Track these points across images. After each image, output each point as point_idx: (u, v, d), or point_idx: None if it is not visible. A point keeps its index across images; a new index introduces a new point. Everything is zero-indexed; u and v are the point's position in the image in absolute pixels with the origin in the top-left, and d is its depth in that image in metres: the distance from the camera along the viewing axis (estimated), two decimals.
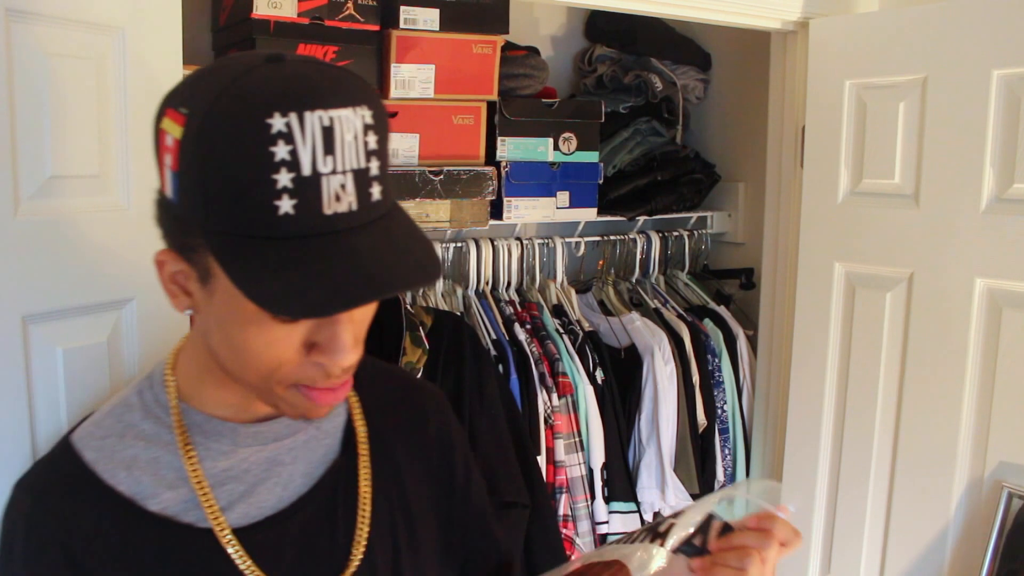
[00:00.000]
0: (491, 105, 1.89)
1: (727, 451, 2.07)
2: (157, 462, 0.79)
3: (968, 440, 1.57)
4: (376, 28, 1.69)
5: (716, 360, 2.07)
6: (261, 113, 0.62)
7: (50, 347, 1.08)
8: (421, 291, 1.88)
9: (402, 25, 1.71)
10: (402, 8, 1.70)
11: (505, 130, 1.92)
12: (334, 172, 0.64)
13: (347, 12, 1.65)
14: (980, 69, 1.52)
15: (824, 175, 1.77)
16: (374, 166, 0.67)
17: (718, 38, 2.33)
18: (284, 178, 0.62)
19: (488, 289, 1.95)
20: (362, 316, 0.73)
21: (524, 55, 1.99)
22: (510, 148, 1.93)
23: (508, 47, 1.93)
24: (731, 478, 2.08)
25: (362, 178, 0.66)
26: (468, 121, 1.86)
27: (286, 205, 0.62)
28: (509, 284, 1.99)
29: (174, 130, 0.66)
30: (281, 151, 0.62)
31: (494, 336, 1.83)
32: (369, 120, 0.67)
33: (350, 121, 0.65)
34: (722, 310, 2.16)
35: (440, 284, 1.90)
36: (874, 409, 1.71)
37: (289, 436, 0.83)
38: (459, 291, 1.93)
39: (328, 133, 0.63)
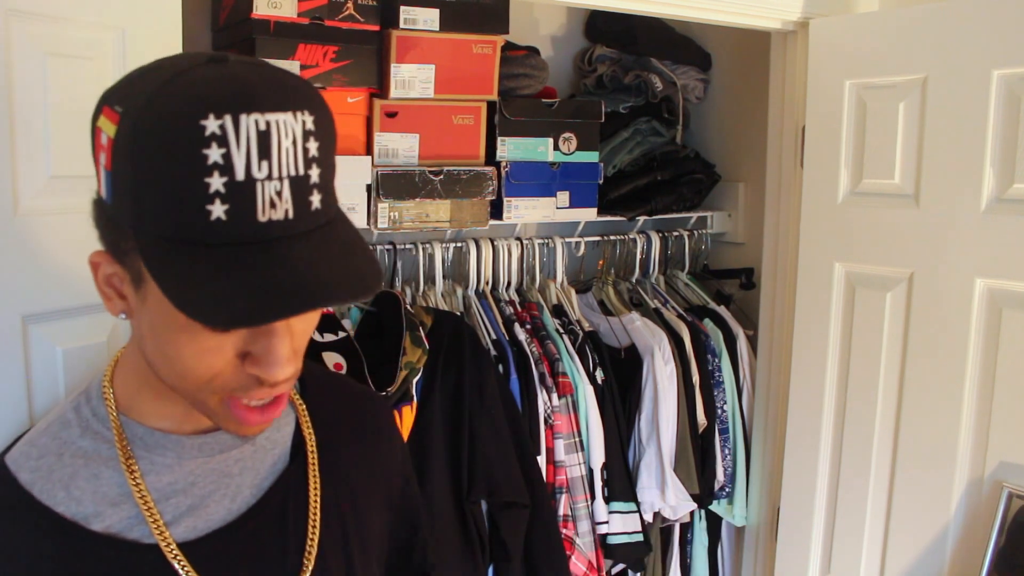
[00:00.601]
0: (491, 105, 1.89)
1: (727, 451, 2.07)
2: (98, 479, 0.76)
3: (968, 440, 1.57)
4: (376, 28, 1.69)
5: (716, 360, 2.07)
6: (195, 114, 0.60)
7: (50, 347, 1.08)
8: (421, 291, 1.88)
9: (402, 25, 1.70)
10: (402, 8, 1.70)
11: (505, 130, 1.92)
12: (269, 178, 0.62)
13: (347, 12, 1.65)
14: (980, 69, 1.52)
15: (824, 175, 1.77)
16: (314, 174, 0.65)
17: (718, 38, 2.33)
18: (217, 182, 0.60)
19: (488, 289, 1.95)
20: (302, 328, 0.71)
21: (524, 55, 1.99)
22: (510, 148, 1.93)
23: (508, 47, 1.93)
24: (731, 478, 2.08)
25: (300, 185, 0.64)
26: (468, 121, 1.86)
27: (218, 210, 0.60)
28: (509, 284, 1.99)
29: (108, 128, 0.64)
30: (214, 154, 0.60)
31: (494, 336, 1.83)
32: (311, 126, 0.64)
33: (289, 126, 0.63)
34: (722, 310, 2.16)
35: (440, 284, 1.90)
36: (874, 409, 1.71)
37: (236, 447, 0.81)
38: (459, 291, 1.93)
39: (264, 138, 0.61)
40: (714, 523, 2.18)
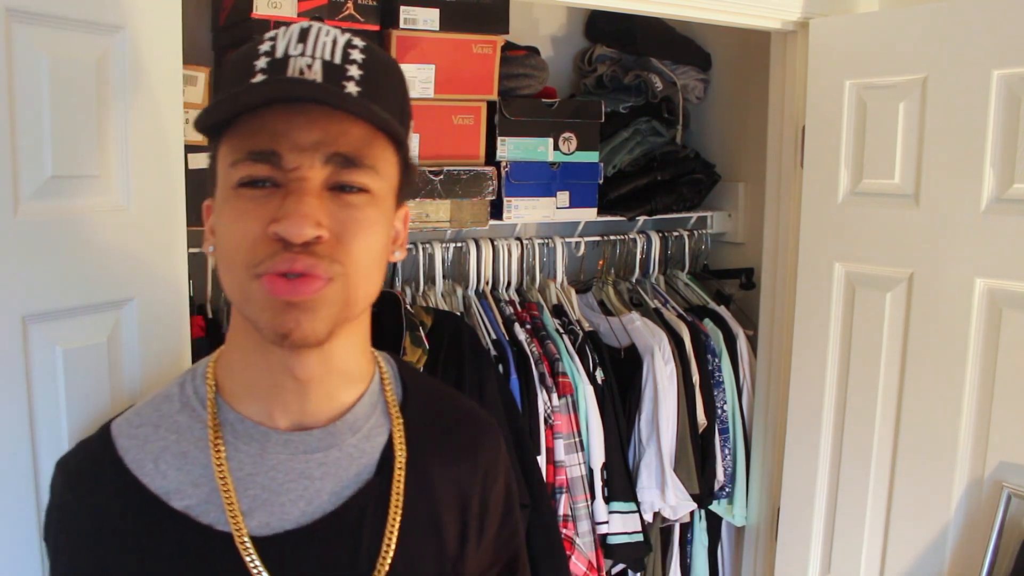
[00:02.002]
0: (491, 105, 1.89)
1: (727, 451, 2.07)
2: (185, 457, 0.78)
3: (968, 440, 1.57)
4: (376, 28, 1.69)
5: (716, 360, 2.07)
6: (266, 35, 0.74)
7: (50, 347, 1.08)
8: (421, 291, 1.88)
9: (402, 25, 1.70)
10: (402, 8, 1.70)
11: (505, 130, 1.92)
12: (302, 55, 0.72)
13: (347, 12, 1.65)
14: (980, 69, 1.52)
15: (824, 175, 1.77)
16: (354, 71, 0.72)
17: (718, 38, 2.33)
18: (262, 62, 0.72)
19: (488, 289, 1.95)
20: (341, 213, 0.71)
21: (524, 55, 1.99)
22: (510, 148, 1.93)
23: (508, 47, 1.93)
24: (731, 478, 2.08)
25: (334, 70, 0.72)
26: (468, 121, 1.86)
27: (258, 79, 0.71)
28: (509, 284, 1.99)
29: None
30: (265, 46, 0.73)
31: (494, 336, 1.83)
32: (358, 44, 0.74)
33: (331, 33, 0.74)
34: (722, 310, 2.16)
35: (440, 284, 1.90)
36: (874, 409, 1.71)
37: (321, 451, 0.80)
38: (459, 291, 1.93)
39: (304, 32, 0.74)
40: (714, 523, 2.18)
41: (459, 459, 0.89)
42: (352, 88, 0.71)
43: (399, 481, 0.83)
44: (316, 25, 0.74)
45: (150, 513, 0.76)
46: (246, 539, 0.76)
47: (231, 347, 0.81)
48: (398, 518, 0.81)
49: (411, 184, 0.81)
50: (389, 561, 0.80)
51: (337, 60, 0.72)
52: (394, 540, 0.80)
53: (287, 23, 1.55)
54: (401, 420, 0.86)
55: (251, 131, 0.70)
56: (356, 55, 0.73)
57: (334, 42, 0.73)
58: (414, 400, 0.89)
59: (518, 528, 0.97)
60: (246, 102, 0.69)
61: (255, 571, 0.75)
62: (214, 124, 0.71)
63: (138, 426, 0.80)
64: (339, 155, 0.70)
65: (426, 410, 0.90)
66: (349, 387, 0.83)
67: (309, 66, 0.71)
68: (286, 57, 0.71)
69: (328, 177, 0.71)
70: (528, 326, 1.89)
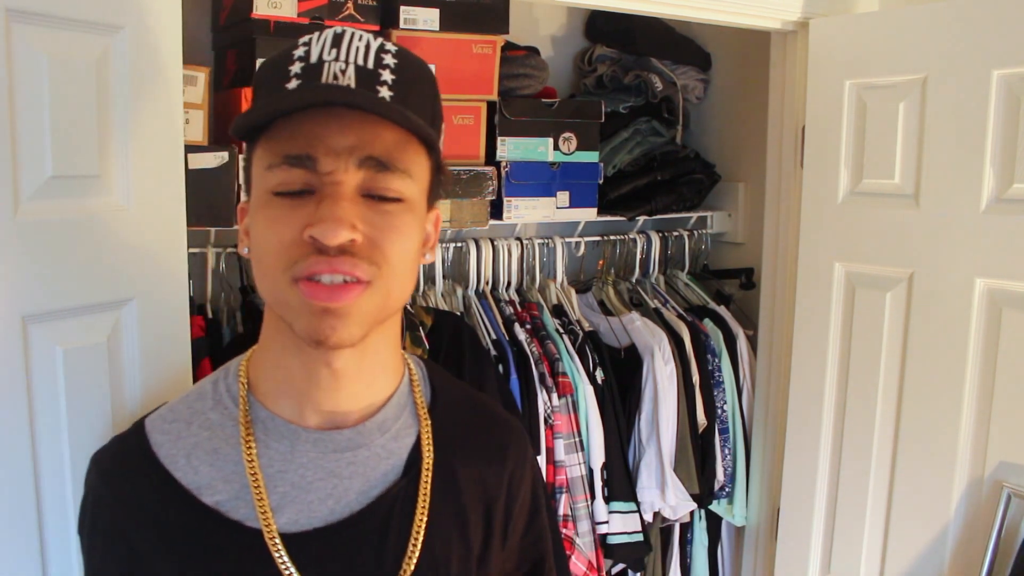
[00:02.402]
0: (491, 105, 1.89)
1: (727, 451, 2.07)
2: (216, 453, 0.79)
3: (968, 440, 1.57)
4: (376, 28, 1.69)
5: (716, 360, 2.07)
6: (298, 40, 0.76)
7: (50, 347, 1.08)
8: (421, 291, 1.88)
9: (402, 25, 1.70)
10: (402, 8, 1.70)
11: (505, 130, 1.92)
12: (336, 60, 0.73)
13: (347, 12, 1.65)
14: (980, 69, 1.52)
15: (824, 175, 1.77)
16: (387, 76, 0.74)
17: (718, 38, 2.33)
18: (296, 67, 0.73)
19: (488, 289, 1.95)
20: (375, 219, 0.71)
21: (524, 55, 1.99)
22: (510, 148, 1.93)
23: (508, 47, 1.93)
24: (731, 478, 2.08)
25: (367, 75, 0.73)
26: (468, 121, 1.86)
27: (293, 84, 0.73)
28: (509, 284, 1.99)
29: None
30: (299, 51, 0.74)
31: (494, 336, 1.83)
32: (391, 49, 0.75)
33: (364, 38, 0.75)
34: (722, 310, 2.16)
35: (440, 284, 1.90)
36: (874, 409, 1.71)
37: (349, 450, 0.81)
38: (459, 291, 1.93)
39: (338, 37, 0.74)
40: (714, 523, 2.18)
41: (486, 462, 0.90)
42: (385, 93, 0.73)
43: (426, 482, 0.84)
44: (350, 30, 0.75)
45: (182, 507, 0.78)
46: (275, 535, 0.77)
47: (264, 347, 0.82)
48: (424, 519, 0.82)
49: (442, 186, 0.82)
50: (415, 561, 0.81)
51: (370, 65, 0.73)
52: (420, 540, 0.82)
53: (288, 22, 1.56)
54: (429, 422, 0.87)
55: (287, 135, 0.71)
56: (389, 60, 0.75)
57: (367, 47, 0.74)
58: (443, 403, 0.90)
59: (545, 533, 0.97)
60: (282, 107, 0.70)
61: (283, 567, 0.76)
62: (251, 128, 0.72)
63: (171, 422, 0.82)
64: (373, 159, 0.71)
65: (454, 413, 0.90)
66: (380, 385, 0.84)
67: (343, 71, 0.72)
68: (320, 62, 0.73)
69: (363, 182, 0.71)
70: (528, 326, 1.89)
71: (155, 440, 0.80)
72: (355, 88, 0.72)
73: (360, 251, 0.71)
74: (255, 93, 0.78)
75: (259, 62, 1.57)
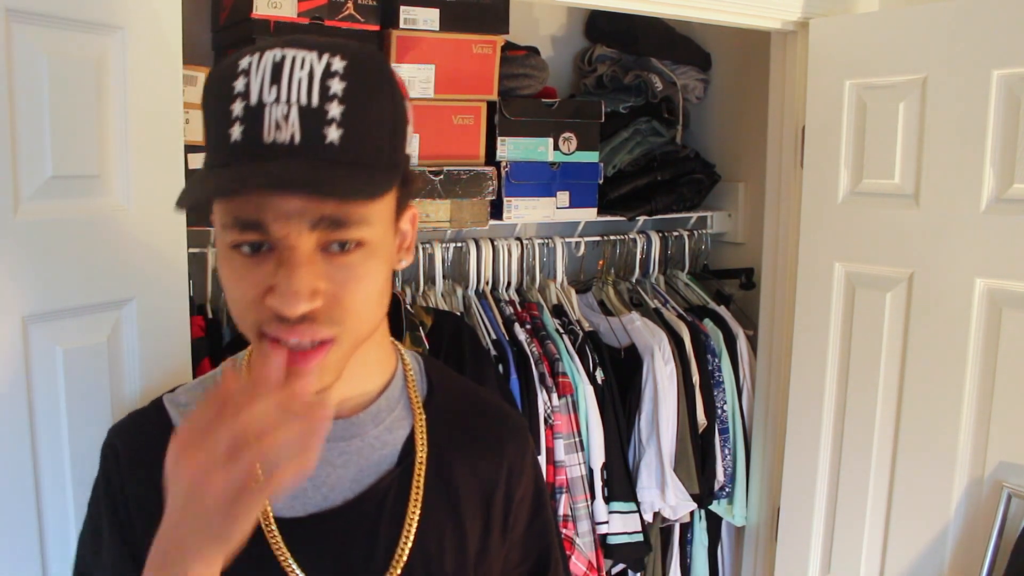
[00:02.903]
0: (491, 105, 1.89)
1: (727, 451, 2.07)
2: None
3: (968, 440, 1.57)
4: (376, 28, 1.69)
5: (716, 360, 2.07)
6: (238, 57, 0.69)
7: (50, 347, 1.08)
8: (421, 291, 1.88)
9: (402, 25, 1.70)
10: (402, 8, 1.70)
11: (505, 130, 1.92)
12: (277, 102, 0.67)
13: (347, 12, 1.65)
14: (980, 69, 1.52)
15: (824, 175, 1.77)
16: (334, 110, 0.67)
17: (718, 38, 2.33)
18: (238, 107, 0.67)
19: (488, 289, 1.95)
20: (338, 274, 0.70)
21: (524, 55, 1.99)
22: (510, 148, 1.93)
23: (508, 47, 1.93)
24: (731, 478, 2.08)
25: (311, 115, 0.67)
26: (468, 121, 1.86)
27: (236, 132, 0.67)
28: (509, 284, 1.99)
29: None
30: (239, 84, 0.68)
31: (494, 336, 1.83)
32: (338, 68, 0.68)
33: (307, 61, 0.68)
34: (722, 310, 2.16)
35: (440, 284, 1.90)
36: (874, 409, 1.71)
37: (343, 440, 0.82)
38: (459, 291, 1.93)
39: (277, 68, 0.67)
40: (714, 523, 2.18)
41: (482, 455, 0.90)
42: (333, 133, 0.67)
43: (419, 475, 0.85)
44: (289, 56, 0.68)
45: None
46: (271, 520, 0.78)
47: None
48: (418, 510, 0.83)
49: (412, 192, 0.81)
50: (408, 551, 0.82)
51: (315, 101, 0.67)
52: (413, 531, 0.83)
53: (287, 22, 1.56)
54: (424, 416, 0.88)
55: (237, 199, 0.69)
56: (335, 86, 0.68)
57: (310, 76, 0.67)
58: (439, 397, 0.91)
59: (548, 526, 0.98)
60: (221, 193, 0.68)
61: (277, 551, 0.78)
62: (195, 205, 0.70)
63: (185, 404, 0.84)
64: (326, 218, 0.68)
65: (451, 407, 0.91)
66: (371, 377, 0.85)
67: (285, 116, 0.66)
68: (260, 105, 0.67)
69: (318, 240, 0.69)
70: (528, 326, 1.89)
71: (173, 415, 0.83)
72: (299, 143, 0.67)
73: (320, 314, 0.69)
74: (205, 123, 0.71)
75: None
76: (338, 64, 0.68)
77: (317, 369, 0.71)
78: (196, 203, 0.69)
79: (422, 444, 0.86)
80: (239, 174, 0.67)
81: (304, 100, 0.67)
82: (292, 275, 0.67)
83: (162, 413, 0.84)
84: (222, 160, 0.68)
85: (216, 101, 0.69)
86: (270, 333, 0.70)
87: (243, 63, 0.68)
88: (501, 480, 0.90)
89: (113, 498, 0.82)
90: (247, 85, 0.67)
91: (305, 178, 0.66)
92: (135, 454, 0.81)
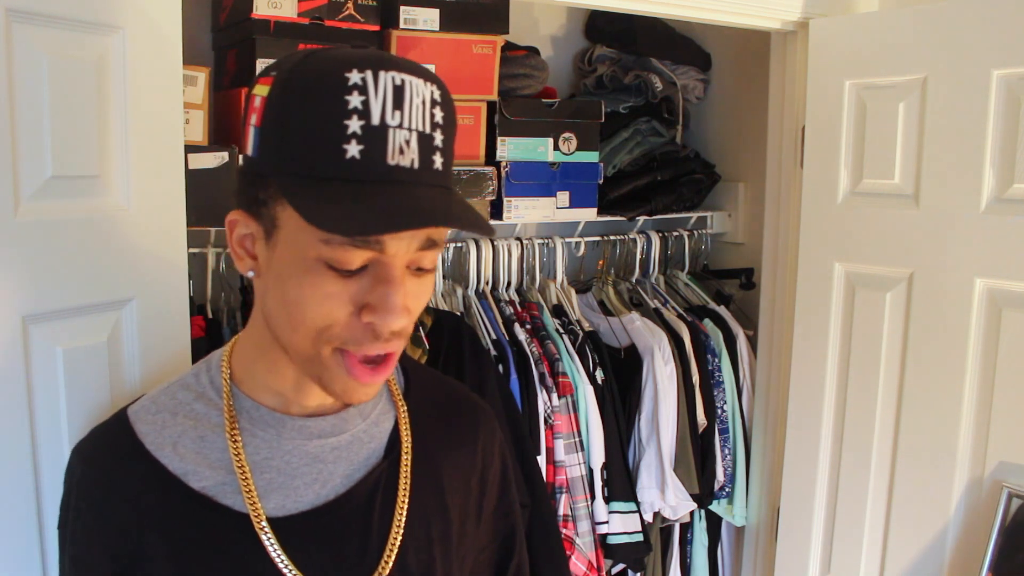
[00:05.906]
0: (491, 105, 1.89)
1: (727, 451, 2.07)
2: (203, 440, 0.81)
3: (968, 440, 1.57)
4: (376, 28, 1.69)
5: (716, 360, 2.07)
6: (341, 68, 0.68)
7: (50, 347, 1.08)
8: None
9: (402, 25, 1.71)
10: (402, 8, 1.70)
11: (505, 130, 1.92)
12: (400, 127, 0.69)
13: (347, 12, 1.65)
14: (980, 69, 1.52)
15: (824, 175, 1.77)
16: (439, 138, 0.72)
17: (718, 38, 2.33)
18: (355, 124, 0.67)
19: (488, 289, 1.95)
20: (417, 290, 0.74)
21: (524, 55, 1.99)
22: (510, 148, 1.93)
23: (508, 47, 1.93)
24: (731, 478, 2.08)
25: (426, 142, 0.70)
26: (468, 121, 1.86)
27: (353, 150, 0.67)
28: (509, 284, 1.99)
29: (262, 91, 0.72)
30: (355, 100, 0.67)
31: (494, 336, 1.83)
32: (437, 97, 0.72)
33: (419, 88, 0.71)
34: (722, 310, 2.16)
35: (440, 284, 1.90)
36: (874, 409, 1.71)
37: (333, 435, 0.84)
38: (459, 291, 1.93)
39: (399, 92, 0.69)
40: (714, 523, 2.18)
41: (460, 444, 0.94)
42: (439, 160, 0.72)
43: (406, 465, 0.87)
44: (408, 82, 0.70)
45: (170, 492, 0.79)
46: (263, 520, 0.79)
47: (253, 345, 0.83)
48: (407, 500, 0.86)
49: None
50: (400, 540, 0.84)
51: (427, 129, 0.71)
52: (403, 520, 0.85)
53: (288, 22, 1.56)
54: (405, 406, 0.91)
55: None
56: (438, 115, 0.73)
57: (424, 103, 0.71)
58: (416, 388, 0.93)
59: (515, 507, 1.01)
60: (369, 227, 0.66)
61: (273, 551, 0.79)
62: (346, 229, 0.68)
63: (155, 413, 0.83)
64: (431, 240, 0.72)
65: (427, 397, 0.94)
66: None
67: (407, 142, 0.69)
68: (384, 127, 0.68)
69: (412, 259, 0.73)
70: (528, 326, 1.90)
71: (140, 430, 0.82)
72: (417, 168, 0.70)
73: (405, 329, 0.74)
74: (293, 127, 0.69)
75: (259, 63, 1.57)
76: (436, 92, 0.73)
77: (381, 381, 0.75)
78: (372, 233, 0.68)
79: (407, 435, 0.89)
80: (394, 204, 0.67)
81: (420, 126, 0.70)
82: (396, 292, 0.70)
83: (127, 430, 0.82)
84: (331, 173, 0.67)
85: (324, 111, 0.67)
86: (358, 353, 0.72)
87: (353, 77, 0.68)
88: (477, 467, 0.94)
89: (65, 528, 0.82)
90: (366, 104, 0.67)
91: (458, 213, 0.70)
92: (102, 472, 0.81)
